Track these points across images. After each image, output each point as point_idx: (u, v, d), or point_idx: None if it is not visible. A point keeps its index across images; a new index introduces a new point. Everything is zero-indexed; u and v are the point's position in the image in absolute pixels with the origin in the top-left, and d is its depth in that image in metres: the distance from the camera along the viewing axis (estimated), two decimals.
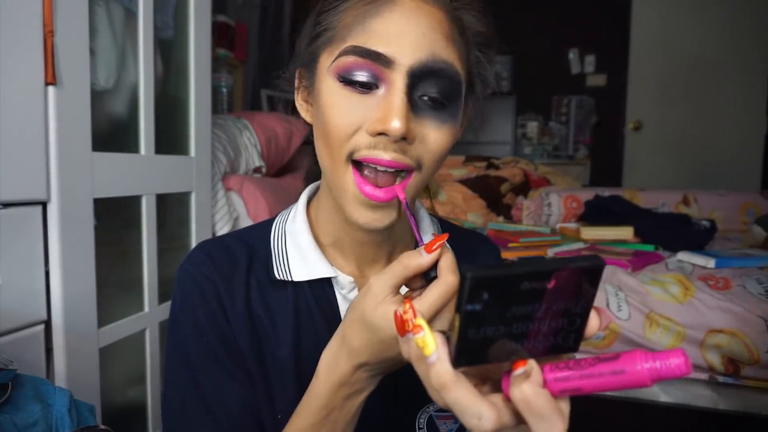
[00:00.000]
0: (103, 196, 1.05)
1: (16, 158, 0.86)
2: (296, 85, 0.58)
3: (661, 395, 1.49)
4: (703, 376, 1.41)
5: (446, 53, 0.48)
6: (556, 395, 0.32)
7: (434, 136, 0.48)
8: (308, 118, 0.57)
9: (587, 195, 2.42)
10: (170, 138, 1.32)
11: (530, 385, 0.31)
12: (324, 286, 0.56)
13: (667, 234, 1.90)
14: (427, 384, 0.35)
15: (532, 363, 0.32)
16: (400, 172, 0.49)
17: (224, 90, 2.26)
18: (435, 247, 0.41)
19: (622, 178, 4.07)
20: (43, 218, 0.93)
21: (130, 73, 1.16)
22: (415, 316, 0.35)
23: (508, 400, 0.33)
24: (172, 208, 1.37)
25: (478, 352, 0.32)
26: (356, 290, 0.56)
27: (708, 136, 3.81)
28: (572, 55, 4.12)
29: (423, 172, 0.50)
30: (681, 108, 3.87)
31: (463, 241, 0.67)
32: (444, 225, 0.68)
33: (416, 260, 0.40)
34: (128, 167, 1.14)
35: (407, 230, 0.61)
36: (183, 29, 1.35)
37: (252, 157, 1.80)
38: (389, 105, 0.46)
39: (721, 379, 1.39)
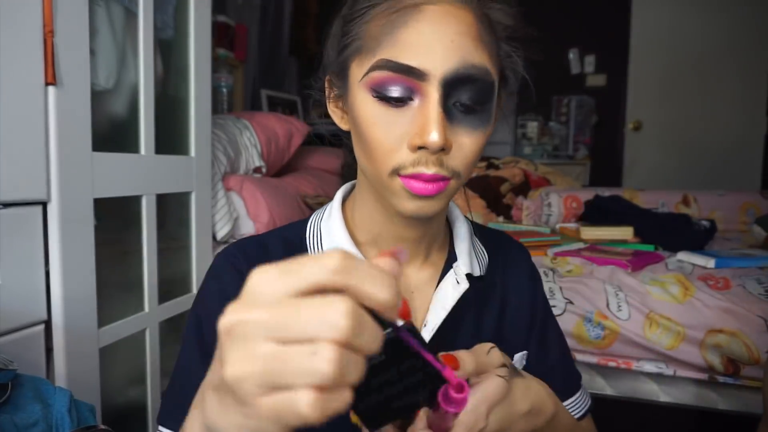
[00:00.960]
0: (103, 196, 1.05)
1: (16, 158, 0.86)
2: (327, 92, 0.58)
3: (661, 395, 1.49)
4: (703, 376, 1.41)
5: (476, 56, 0.48)
6: (441, 430, 0.39)
7: (468, 142, 0.49)
8: (343, 125, 0.57)
9: (587, 195, 2.42)
10: (170, 138, 1.32)
11: (411, 431, 0.38)
12: None
13: (667, 234, 1.90)
14: None
15: (420, 412, 0.38)
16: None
17: (224, 90, 2.26)
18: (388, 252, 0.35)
19: (622, 178, 4.07)
20: (43, 218, 0.93)
21: (130, 73, 1.16)
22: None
23: None
24: (172, 208, 1.37)
25: (381, 415, 0.37)
26: None
27: (708, 136, 3.81)
28: (572, 55, 4.12)
29: (460, 179, 0.51)
30: (681, 108, 3.86)
31: (501, 247, 0.68)
32: (476, 228, 0.68)
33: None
34: (128, 167, 1.14)
35: (441, 232, 0.62)
36: (183, 29, 1.35)
37: (252, 157, 1.80)
38: (425, 118, 0.46)
39: (721, 379, 1.39)
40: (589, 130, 4.11)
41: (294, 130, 1.99)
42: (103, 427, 0.74)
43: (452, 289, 0.57)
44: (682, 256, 1.70)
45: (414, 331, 0.34)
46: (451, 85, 0.47)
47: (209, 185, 1.47)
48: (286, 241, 0.60)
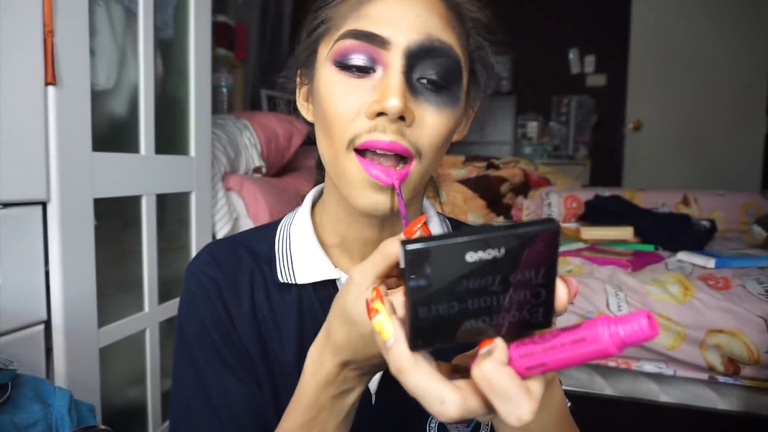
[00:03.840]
0: (103, 196, 1.05)
1: (16, 158, 0.86)
2: (297, 86, 0.58)
3: (661, 395, 1.49)
4: (703, 376, 1.41)
5: (443, 34, 0.47)
6: (523, 374, 0.30)
7: (433, 119, 0.47)
8: (309, 117, 0.56)
9: (587, 195, 2.42)
10: (170, 138, 1.32)
11: (491, 362, 0.29)
12: (328, 288, 0.56)
13: (667, 234, 1.90)
14: (391, 371, 0.32)
15: (497, 341, 0.31)
16: (401, 159, 0.47)
17: (224, 90, 2.26)
18: (414, 229, 0.37)
19: (622, 178, 4.07)
20: (43, 218, 0.93)
21: (130, 73, 1.16)
22: (381, 301, 0.33)
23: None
24: (172, 208, 1.37)
25: (437, 332, 0.30)
26: None
27: (708, 136, 3.81)
28: (572, 55, 4.12)
29: (423, 160, 0.48)
30: (681, 108, 3.86)
31: None
32: (454, 224, 0.66)
33: (396, 246, 0.36)
34: (128, 167, 1.14)
35: None
36: (183, 29, 1.35)
37: (252, 157, 1.80)
38: (386, 85, 0.45)
39: (721, 379, 1.39)
40: (589, 130, 4.11)
41: (294, 130, 1.99)
42: (102, 427, 0.74)
43: None
44: (682, 256, 1.70)
45: (556, 234, 0.28)
46: (416, 57, 0.46)
47: (209, 185, 1.47)
48: (254, 246, 0.59)
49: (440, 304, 0.29)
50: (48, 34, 0.89)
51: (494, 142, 4.09)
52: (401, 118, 0.45)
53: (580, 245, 1.89)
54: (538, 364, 0.29)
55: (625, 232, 1.97)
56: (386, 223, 0.53)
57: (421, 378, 0.30)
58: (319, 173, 0.64)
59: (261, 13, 2.76)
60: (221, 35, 2.27)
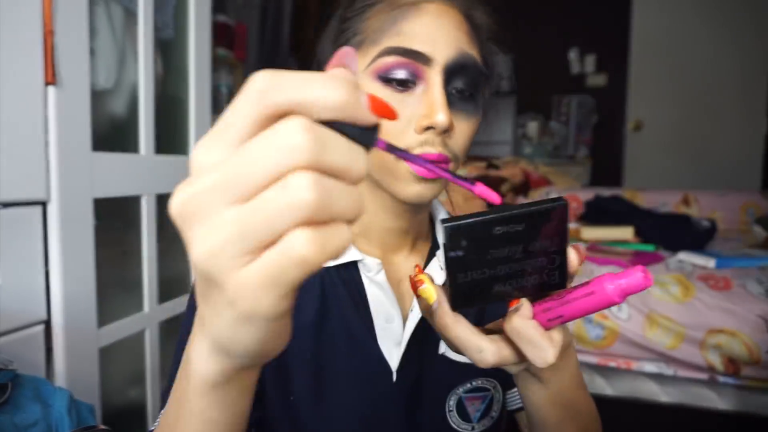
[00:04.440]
0: (103, 196, 1.05)
1: (16, 158, 0.86)
2: None
3: (661, 395, 1.49)
4: (703, 376, 1.41)
5: (469, 48, 0.52)
6: (546, 326, 0.36)
7: (464, 127, 0.53)
8: None
9: (587, 195, 2.42)
10: (170, 138, 1.32)
11: (519, 317, 0.36)
12: (350, 270, 0.58)
13: (667, 234, 1.90)
14: (436, 330, 0.38)
15: (523, 300, 0.37)
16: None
17: (224, 90, 2.26)
18: (332, 61, 0.27)
19: (623, 178, 4.07)
20: (43, 218, 0.93)
21: (130, 73, 1.16)
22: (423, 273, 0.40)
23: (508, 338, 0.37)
24: None
25: (473, 294, 0.36)
26: (382, 272, 0.58)
27: (708, 136, 3.81)
28: (572, 54, 4.11)
29: (456, 163, 0.54)
30: (681, 108, 3.86)
31: None
32: None
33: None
34: (128, 167, 1.14)
35: (425, 222, 0.65)
36: (183, 29, 1.35)
37: None
38: (432, 100, 0.50)
39: (721, 379, 1.39)
40: (590, 130, 4.11)
41: None
42: (102, 427, 0.74)
43: (437, 275, 0.59)
44: (682, 256, 1.70)
45: (566, 209, 0.33)
46: (451, 72, 0.51)
47: None
48: None
49: (474, 271, 0.35)
50: (48, 34, 0.89)
51: (494, 142, 4.09)
52: (445, 130, 0.50)
53: (581, 245, 1.89)
54: (556, 316, 0.36)
55: (626, 232, 1.97)
56: (409, 213, 0.58)
57: (463, 331, 0.37)
58: None
59: (261, 13, 2.76)
60: (221, 35, 2.27)
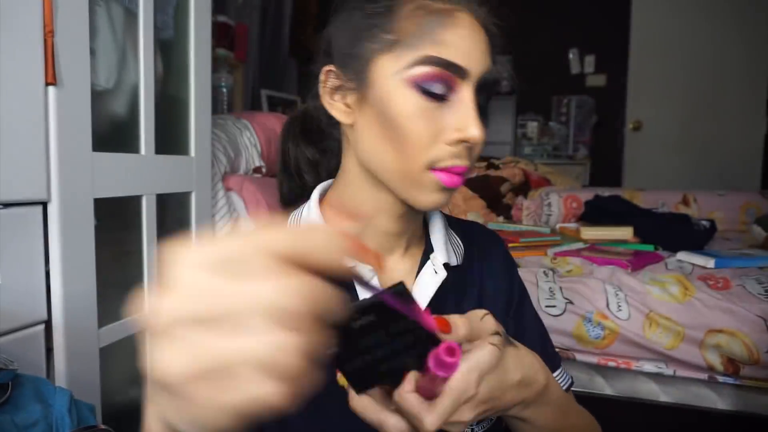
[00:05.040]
0: (104, 196, 1.05)
1: (16, 158, 0.86)
2: (323, 83, 0.58)
3: (661, 395, 1.49)
4: (703, 376, 1.41)
5: (491, 62, 0.54)
6: (434, 393, 0.38)
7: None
8: (347, 120, 0.57)
9: (587, 195, 2.42)
10: (170, 138, 1.32)
11: (397, 393, 0.37)
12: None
13: (666, 234, 1.90)
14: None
15: (410, 373, 0.38)
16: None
17: (224, 90, 2.26)
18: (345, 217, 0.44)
19: (622, 178, 4.07)
20: (43, 218, 0.93)
21: (130, 73, 1.16)
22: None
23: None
24: (172, 208, 1.37)
25: (366, 379, 0.38)
26: (375, 278, 0.58)
27: (708, 136, 3.81)
28: (572, 55, 4.11)
29: (470, 172, 0.56)
30: (681, 108, 3.86)
31: (477, 237, 0.71)
32: (451, 221, 0.70)
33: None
34: (128, 167, 1.14)
35: (419, 225, 0.65)
36: (183, 29, 1.35)
37: (252, 157, 1.80)
38: (466, 114, 0.50)
39: (720, 379, 1.39)
40: (589, 130, 4.11)
41: None
42: (103, 427, 0.75)
43: (431, 278, 0.59)
44: (682, 256, 1.70)
45: (403, 293, 0.34)
46: (482, 87, 0.52)
47: (209, 185, 1.47)
48: None
49: (354, 360, 0.36)
50: (48, 34, 0.89)
51: (494, 142, 4.09)
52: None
53: (580, 245, 1.89)
54: (435, 378, 0.37)
55: (625, 232, 1.97)
56: (408, 216, 0.59)
57: (366, 410, 0.38)
58: (293, 191, 0.71)
59: (261, 13, 2.76)
60: (221, 35, 2.27)
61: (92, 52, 1.02)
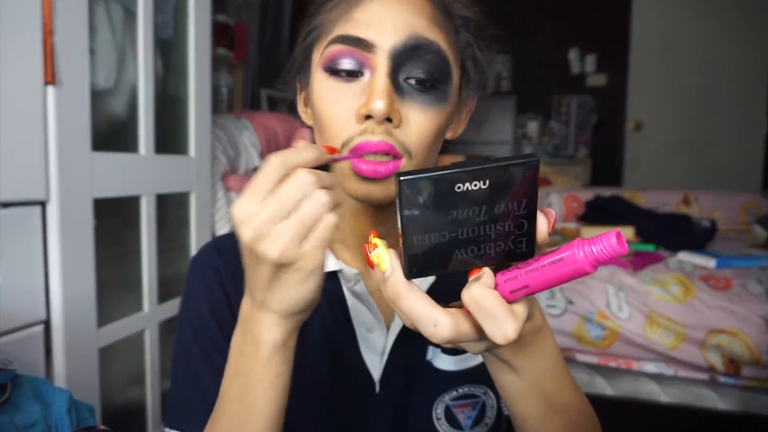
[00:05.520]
0: (103, 196, 1.05)
1: (16, 158, 0.85)
2: (297, 91, 0.59)
3: (661, 395, 1.49)
4: (704, 376, 1.41)
5: (429, 32, 0.48)
6: (509, 298, 0.33)
7: (419, 118, 0.48)
8: (309, 122, 0.57)
9: (588, 195, 2.42)
10: (170, 138, 1.32)
11: (479, 286, 0.32)
12: (330, 280, 0.57)
13: (667, 234, 1.90)
14: (388, 300, 0.36)
15: (485, 269, 0.34)
16: (393, 158, 0.48)
17: (224, 90, 2.26)
18: (295, 139, 0.43)
19: (623, 178, 4.07)
20: (42, 218, 0.92)
21: (129, 73, 1.16)
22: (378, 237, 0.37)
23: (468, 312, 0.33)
24: (172, 208, 1.36)
25: (430, 261, 0.33)
26: (361, 283, 0.57)
27: (708, 136, 3.81)
28: (572, 54, 4.11)
29: (413, 159, 0.49)
30: (681, 108, 3.86)
31: None
32: None
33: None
34: (128, 167, 1.14)
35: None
36: (183, 29, 1.35)
37: (252, 157, 1.80)
38: (372, 87, 0.46)
39: (721, 379, 1.39)
40: (590, 130, 4.11)
41: (294, 130, 1.99)
42: (102, 427, 0.74)
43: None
44: (682, 256, 1.70)
45: (536, 169, 0.30)
46: (401, 57, 0.47)
47: (209, 185, 1.47)
48: None
49: (432, 234, 0.31)
50: (47, 34, 0.89)
51: (494, 142, 4.08)
52: (388, 119, 0.46)
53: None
54: (521, 287, 0.32)
55: (626, 232, 1.97)
56: (384, 218, 0.55)
57: (417, 302, 0.33)
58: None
59: (261, 13, 2.76)
60: (221, 35, 2.27)
61: (92, 51, 1.02)
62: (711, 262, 1.58)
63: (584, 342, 1.48)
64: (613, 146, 4.08)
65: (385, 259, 0.35)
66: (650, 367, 1.45)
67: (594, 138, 4.12)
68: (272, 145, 1.89)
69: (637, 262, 1.62)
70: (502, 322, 0.32)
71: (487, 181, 0.30)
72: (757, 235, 2.10)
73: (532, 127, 4.15)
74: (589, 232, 2.01)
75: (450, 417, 0.58)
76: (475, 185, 0.30)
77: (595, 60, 4.08)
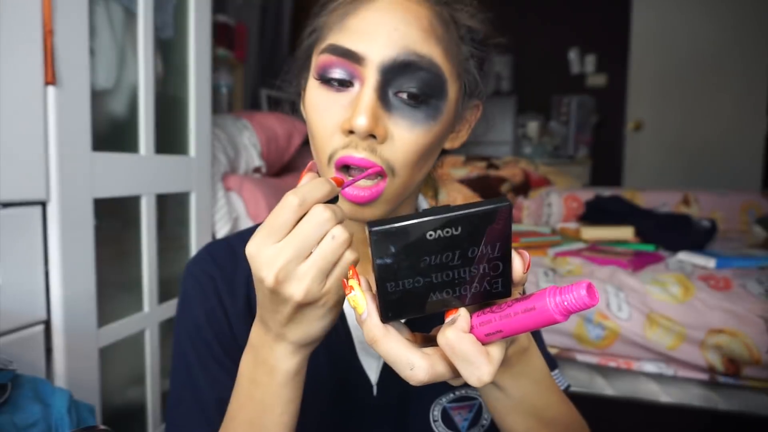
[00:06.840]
0: (103, 196, 1.05)
1: (16, 158, 0.85)
2: (301, 90, 0.58)
3: (661, 395, 1.49)
4: (704, 376, 1.41)
5: (423, 47, 0.46)
6: (483, 340, 0.34)
7: (405, 136, 0.46)
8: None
9: (587, 195, 2.42)
10: (170, 138, 1.32)
11: (453, 330, 0.33)
12: None
13: (667, 234, 1.90)
14: (367, 343, 0.37)
15: (461, 311, 0.34)
16: (377, 174, 0.46)
17: (224, 90, 2.26)
18: (304, 171, 0.41)
19: (623, 178, 4.07)
20: (42, 218, 0.92)
21: (130, 73, 1.16)
22: (358, 279, 0.36)
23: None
24: (172, 208, 1.36)
25: (405, 305, 0.33)
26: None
27: (708, 136, 3.81)
28: (572, 55, 4.11)
29: (397, 177, 0.47)
30: (681, 108, 3.86)
31: None
32: None
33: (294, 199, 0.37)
34: (128, 167, 1.14)
35: None
36: (183, 29, 1.35)
37: (252, 157, 1.80)
38: (357, 102, 0.45)
39: (721, 379, 1.39)
40: (590, 130, 4.11)
41: (294, 130, 1.99)
42: (102, 427, 0.74)
43: None
44: (682, 256, 1.70)
45: (508, 214, 0.30)
46: (391, 72, 0.45)
47: (209, 185, 1.47)
48: None
49: (406, 279, 0.32)
50: (48, 34, 0.89)
51: (494, 142, 4.08)
52: (372, 135, 0.45)
53: (581, 245, 1.89)
54: (495, 331, 0.33)
55: (626, 232, 1.97)
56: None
57: (392, 347, 0.34)
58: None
59: (261, 13, 2.76)
60: (221, 35, 2.27)
61: (92, 51, 1.02)
62: (711, 263, 1.58)
63: (584, 342, 1.49)
64: (613, 146, 4.08)
65: (361, 303, 0.35)
66: (650, 367, 1.45)
67: (594, 138, 4.12)
68: (272, 145, 1.89)
69: (637, 262, 1.62)
70: (477, 367, 0.33)
71: (460, 228, 0.30)
72: (757, 236, 2.10)
73: (532, 127, 4.15)
74: (589, 232, 2.02)
75: (447, 419, 0.58)
76: (447, 232, 0.30)
77: (595, 60, 4.08)
